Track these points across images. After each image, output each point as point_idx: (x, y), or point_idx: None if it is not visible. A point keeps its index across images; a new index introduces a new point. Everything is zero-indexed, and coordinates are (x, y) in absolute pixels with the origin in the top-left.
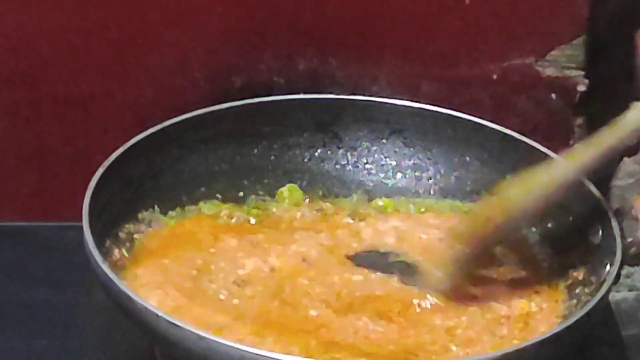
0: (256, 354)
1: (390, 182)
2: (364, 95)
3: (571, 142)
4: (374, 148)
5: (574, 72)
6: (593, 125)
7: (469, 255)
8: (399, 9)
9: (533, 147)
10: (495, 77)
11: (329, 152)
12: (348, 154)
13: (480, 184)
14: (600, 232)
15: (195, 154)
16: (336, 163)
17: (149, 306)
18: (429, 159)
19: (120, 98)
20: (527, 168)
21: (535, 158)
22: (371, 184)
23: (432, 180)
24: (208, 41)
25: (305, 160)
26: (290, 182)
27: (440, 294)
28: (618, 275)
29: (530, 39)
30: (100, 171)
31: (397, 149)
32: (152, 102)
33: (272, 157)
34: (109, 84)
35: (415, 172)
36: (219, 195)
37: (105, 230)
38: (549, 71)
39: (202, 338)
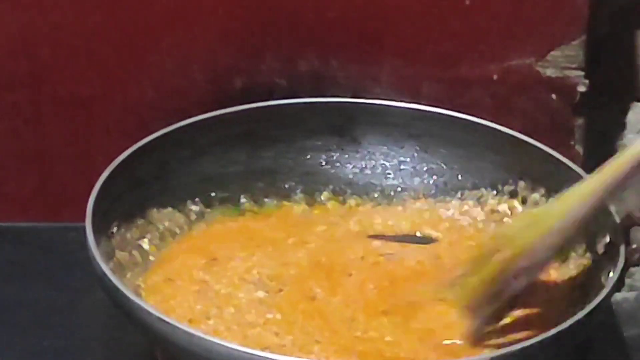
0: (255, 355)
1: (407, 186)
2: (378, 98)
3: (571, 142)
4: (392, 152)
5: (574, 72)
6: (593, 125)
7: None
8: (400, 10)
9: (544, 151)
10: (495, 77)
11: (346, 156)
12: (365, 157)
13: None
14: (608, 239)
15: (209, 155)
16: (353, 167)
17: (149, 309)
18: (446, 164)
19: (121, 99)
20: (544, 175)
21: (548, 163)
22: (388, 188)
23: (448, 184)
24: (209, 43)
25: (323, 163)
26: (305, 185)
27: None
28: (622, 282)
29: (530, 39)
30: (107, 171)
31: (414, 154)
32: (153, 104)
33: (289, 160)
34: (110, 85)
35: (432, 176)
36: (231, 197)
37: (111, 230)
38: (549, 71)
39: (201, 339)
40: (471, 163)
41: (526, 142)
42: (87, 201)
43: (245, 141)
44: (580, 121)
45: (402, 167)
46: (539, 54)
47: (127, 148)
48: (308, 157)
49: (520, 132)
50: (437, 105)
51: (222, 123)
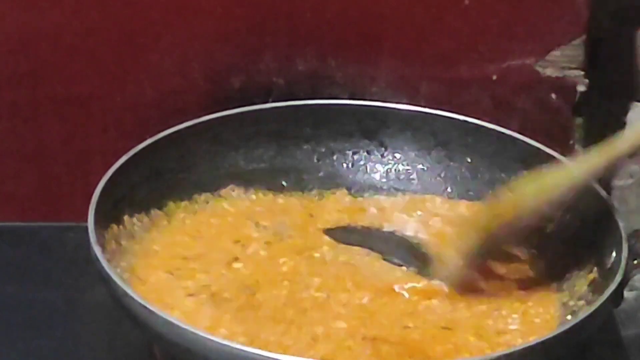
0: (255, 354)
1: (430, 192)
2: (409, 104)
3: (571, 142)
4: (418, 158)
5: (574, 72)
6: (593, 125)
7: (478, 248)
8: (399, 10)
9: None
10: (495, 77)
11: (372, 159)
12: (392, 162)
13: None
14: (614, 254)
15: (234, 151)
16: (378, 170)
17: (149, 305)
18: (471, 172)
19: (119, 98)
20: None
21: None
22: (411, 193)
23: (472, 192)
24: (207, 42)
25: (348, 165)
26: (329, 186)
27: (449, 283)
28: (620, 295)
29: (530, 39)
30: (121, 161)
31: (441, 161)
32: (151, 103)
33: (315, 160)
34: (108, 84)
35: (456, 184)
36: (247, 192)
37: (121, 219)
38: (549, 71)
39: (200, 337)
40: (497, 173)
41: (557, 158)
42: (85, 200)
43: (273, 139)
44: (580, 121)
45: (426, 173)
46: (539, 54)
47: (125, 147)
48: (334, 158)
49: (518, 131)
50: (436, 106)
51: (251, 120)
